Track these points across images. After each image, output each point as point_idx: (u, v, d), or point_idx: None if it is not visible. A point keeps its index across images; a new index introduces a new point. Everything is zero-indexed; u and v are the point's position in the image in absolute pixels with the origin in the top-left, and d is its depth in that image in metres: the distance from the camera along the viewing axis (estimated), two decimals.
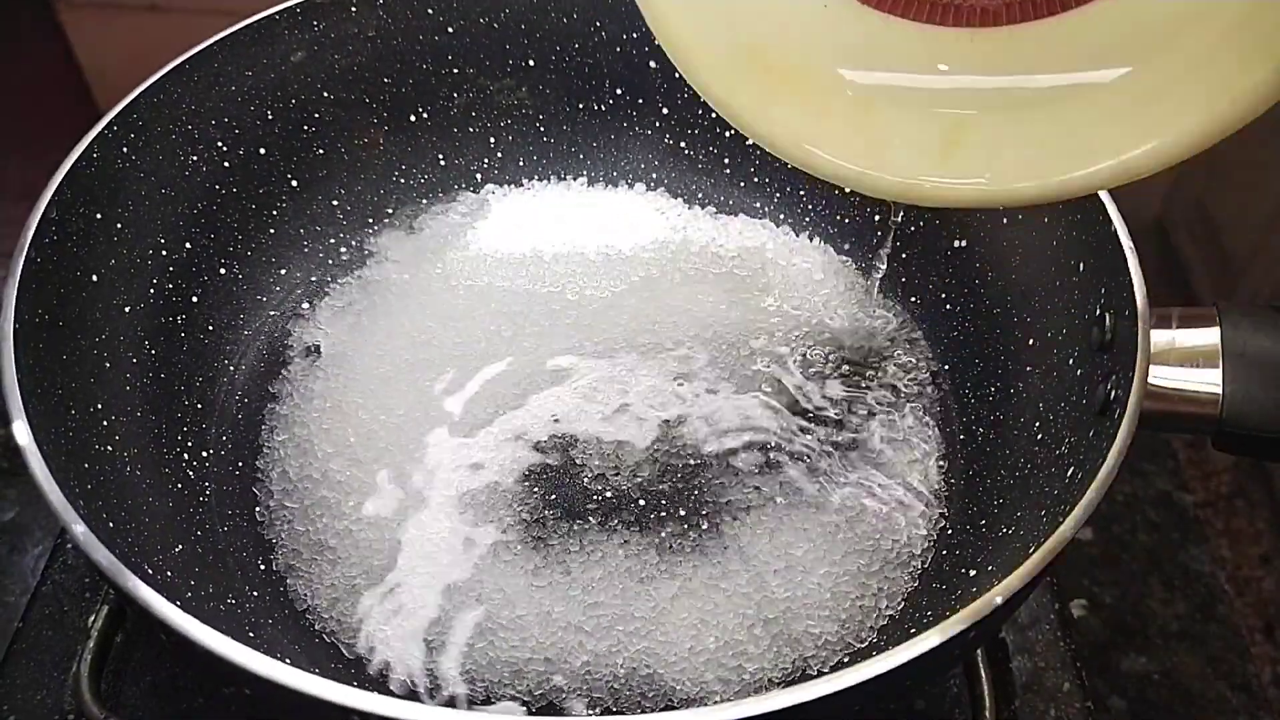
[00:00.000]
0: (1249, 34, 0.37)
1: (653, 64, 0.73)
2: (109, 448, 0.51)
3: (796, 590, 0.55)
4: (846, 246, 0.72)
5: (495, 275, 0.70)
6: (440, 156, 0.74)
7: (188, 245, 0.62)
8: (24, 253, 0.50)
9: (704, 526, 0.58)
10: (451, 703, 0.51)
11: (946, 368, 0.65)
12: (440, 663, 0.52)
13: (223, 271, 0.65)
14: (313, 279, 0.69)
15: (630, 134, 0.76)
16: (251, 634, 0.51)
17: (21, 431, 0.43)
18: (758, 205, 0.74)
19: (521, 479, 0.59)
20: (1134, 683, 0.66)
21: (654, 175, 0.76)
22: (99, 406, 0.52)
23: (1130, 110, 0.41)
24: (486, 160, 0.75)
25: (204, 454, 0.60)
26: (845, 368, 0.66)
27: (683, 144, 0.75)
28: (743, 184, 0.75)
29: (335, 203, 0.71)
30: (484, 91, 0.73)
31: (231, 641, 0.37)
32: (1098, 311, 0.52)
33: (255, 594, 0.55)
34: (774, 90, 0.47)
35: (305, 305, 0.68)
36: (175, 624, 0.38)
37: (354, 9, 0.68)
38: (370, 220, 0.72)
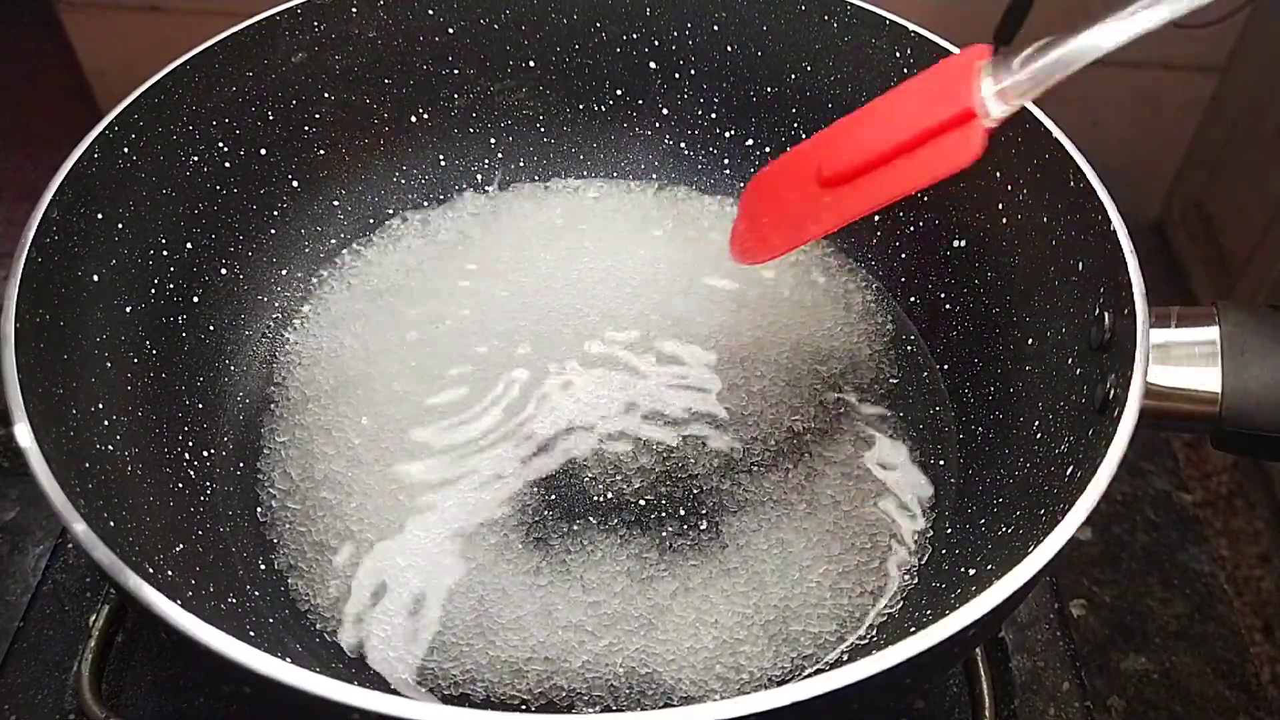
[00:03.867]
0: None
1: (653, 64, 0.73)
2: (110, 447, 0.51)
3: (795, 588, 0.55)
4: (845, 246, 0.72)
5: (496, 279, 0.70)
6: (441, 157, 0.74)
7: (188, 245, 0.62)
8: (25, 252, 0.49)
9: (703, 526, 0.58)
10: (452, 701, 0.51)
11: (946, 367, 0.65)
12: (441, 661, 0.52)
13: (223, 271, 0.65)
14: (313, 279, 0.69)
15: (630, 134, 0.76)
16: (252, 633, 0.51)
17: (23, 433, 0.43)
18: None
19: (522, 480, 0.59)
20: (1133, 682, 0.66)
21: (654, 176, 0.76)
22: (100, 406, 0.52)
23: None
24: (487, 161, 0.75)
25: (205, 454, 0.60)
26: (846, 367, 0.66)
27: (683, 144, 0.75)
28: (742, 184, 0.75)
29: (335, 203, 0.71)
30: (484, 92, 0.73)
31: (232, 640, 0.37)
32: (1097, 311, 0.52)
33: (256, 593, 0.55)
34: None
35: (306, 306, 0.68)
36: (176, 623, 0.38)
37: (355, 10, 0.68)
38: (371, 221, 0.73)
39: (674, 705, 0.51)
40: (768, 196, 0.56)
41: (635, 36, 0.72)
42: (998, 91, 0.46)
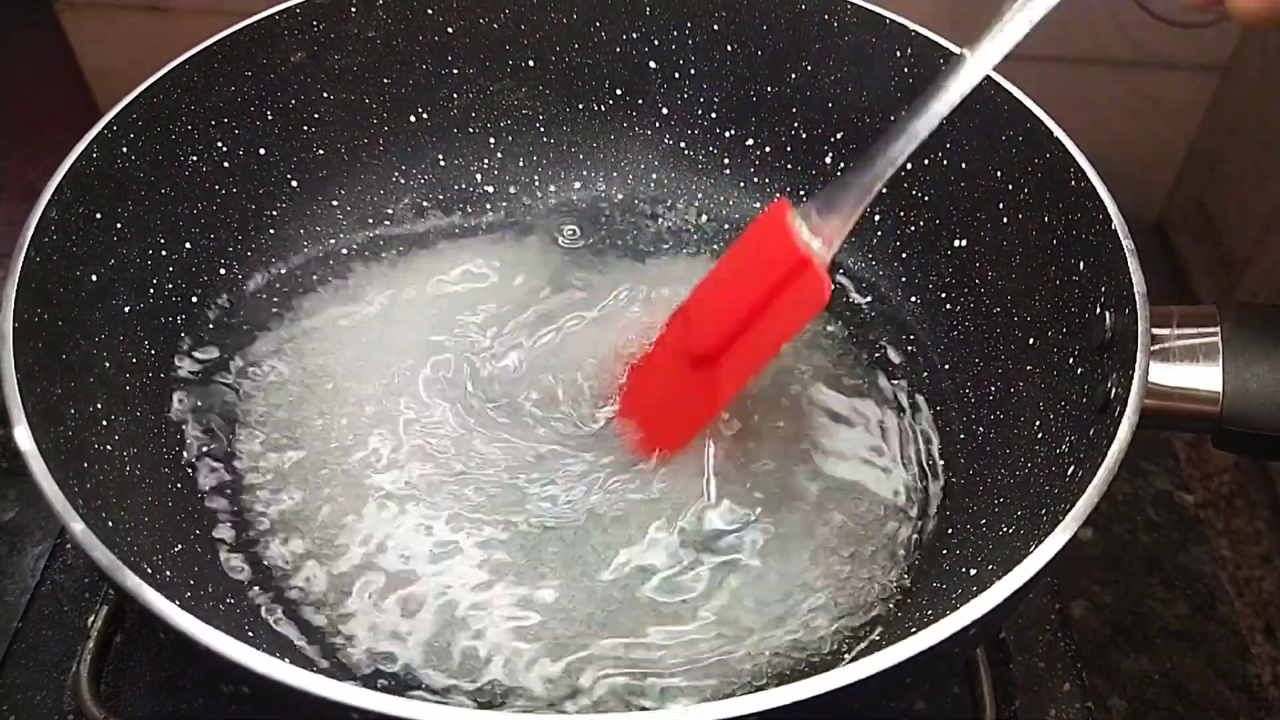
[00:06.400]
0: None
1: (652, 64, 0.73)
2: (108, 447, 0.51)
3: (794, 586, 0.55)
4: (845, 245, 0.71)
5: (494, 282, 0.70)
6: (440, 157, 0.74)
7: (187, 245, 0.62)
8: (23, 252, 0.49)
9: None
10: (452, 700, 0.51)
11: (947, 367, 0.65)
12: (441, 661, 0.52)
13: (222, 272, 0.65)
14: (313, 279, 0.69)
15: (630, 134, 0.76)
16: (251, 633, 0.51)
17: (22, 435, 0.43)
18: (757, 206, 0.74)
19: (521, 478, 0.59)
20: (1134, 683, 0.66)
21: (654, 176, 0.76)
22: (98, 406, 0.52)
23: None
24: (486, 161, 0.75)
25: (203, 453, 0.60)
26: (847, 368, 0.66)
27: (683, 144, 0.75)
28: (743, 184, 0.75)
29: (335, 203, 0.71)
30: (484, 92, 0.73)
31: (231, 640, 0.37)
32: (1098, 310, 0.52)
33: (255, 593, 0.55)
34: None
35: (305, 306, 0.68)
36: (175, 622, 0.38)
37: (354, 9, 0.68)
38: (370, 221, 0.72)
39: (673, 704, 0.51)
40: (647, 397, 0.60)
41: (635, 36, 0.72)
42: (813, 232, 0.51)
